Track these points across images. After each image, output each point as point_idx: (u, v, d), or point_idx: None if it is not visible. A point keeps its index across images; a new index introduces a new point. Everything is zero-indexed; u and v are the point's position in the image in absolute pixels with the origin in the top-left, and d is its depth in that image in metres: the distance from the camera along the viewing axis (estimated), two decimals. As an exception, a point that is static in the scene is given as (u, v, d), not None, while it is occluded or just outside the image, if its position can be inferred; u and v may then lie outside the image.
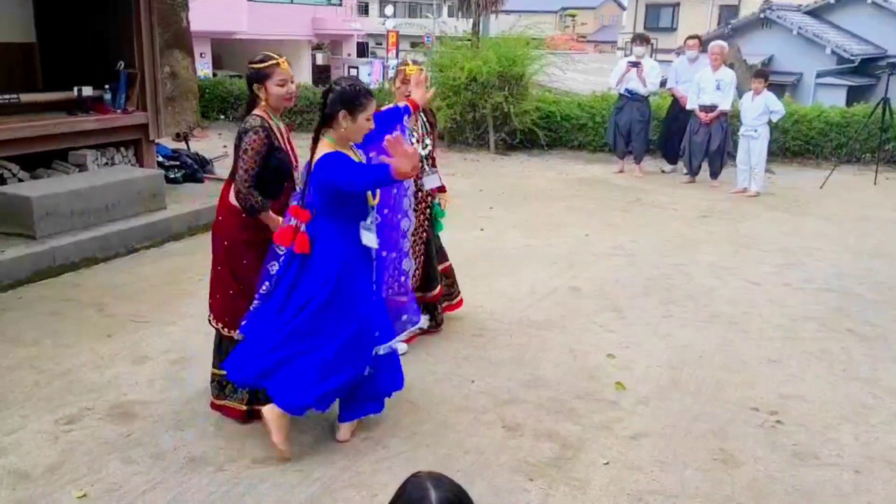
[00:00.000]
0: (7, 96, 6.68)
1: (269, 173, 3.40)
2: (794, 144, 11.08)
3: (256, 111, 3.43)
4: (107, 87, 7.20)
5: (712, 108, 9.13)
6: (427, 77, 4.56)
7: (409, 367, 4.21)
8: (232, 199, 3.45)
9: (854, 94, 17.79)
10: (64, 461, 3.26)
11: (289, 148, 3.53)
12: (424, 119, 4.49)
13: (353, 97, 3.19)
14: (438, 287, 4.66)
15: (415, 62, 4.53)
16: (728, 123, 9.34)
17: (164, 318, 4.84)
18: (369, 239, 3.33)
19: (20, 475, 3.15)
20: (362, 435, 3.54)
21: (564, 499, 3.11)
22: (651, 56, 11.38)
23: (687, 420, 3.77)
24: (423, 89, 4.19)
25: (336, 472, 3.25)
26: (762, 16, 20.12)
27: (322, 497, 3.08)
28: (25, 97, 6.87)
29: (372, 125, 3.29)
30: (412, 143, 4.22)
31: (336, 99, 3.20)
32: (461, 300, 4.98)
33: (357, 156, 3.38)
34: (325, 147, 3.24)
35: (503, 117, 11.36)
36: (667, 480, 3.26)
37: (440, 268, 4.75)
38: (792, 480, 3.28)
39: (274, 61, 3.39)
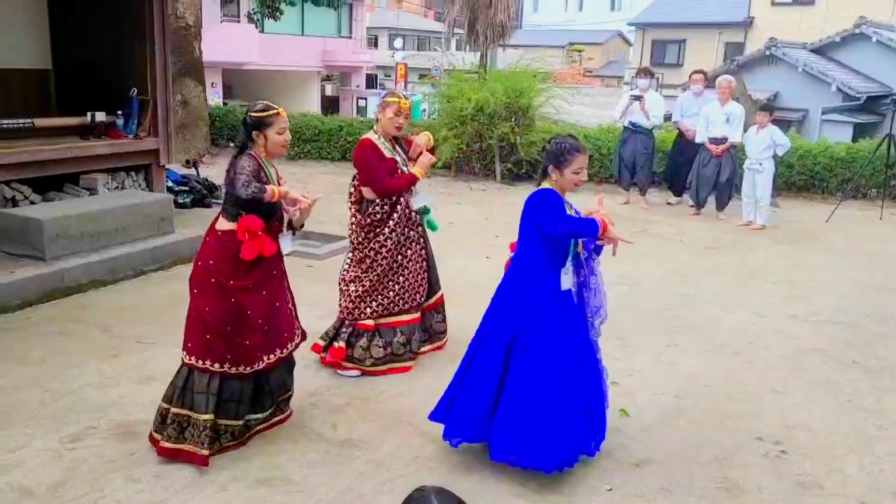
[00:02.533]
0: (22, 121, 6.79)
1: (254, 207, 3.43)
2: (800, 179, 11.12)
3: (250, 152, 3.50)
4: (119, 112, 7.32)
5: (722, 140, 9.18)
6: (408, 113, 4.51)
7: (413, 392, 4.23)
8: (220, 226, 3.49)
9: (860, 131, 17.84)
10: (67, 479, 3.27)
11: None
12: (399, 149, 4.56)
13: (559, 154, 3.43)
14: (440, 293, 4.78)
15: (405, 95, 4.57)
16: (736, 156, 9.39)
17: (169, 339, 4.83)
18: (566, 281, 3.48)
19: (24, 492, 3.16)
20: (365, 457, 3.54)
21: (567, 524, 3.10)
22: (656, 90, 11.49)
23: (691, 448, 3.76)
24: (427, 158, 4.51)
25: (338, 493, 3.25)
26: (767, 53, 20.29)
27: (324, 518, 3.07)
28: (40, 122, 6.97)
29: (582, 178, 3.45)
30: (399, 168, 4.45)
31: (546, 156, 3.51)
32: (446, 340, 4.92)
33: (570, 211, 3.50)
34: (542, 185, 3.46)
35: (509, 148, 11.46)
36: (670, 508, 3.24)
37: (433, 299, 4.80)
38: (796, 510, 3.26)
39: (275, 111, 3.52)
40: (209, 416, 3.40)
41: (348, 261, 4.58)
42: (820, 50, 21.02)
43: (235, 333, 3.44)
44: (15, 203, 6.41)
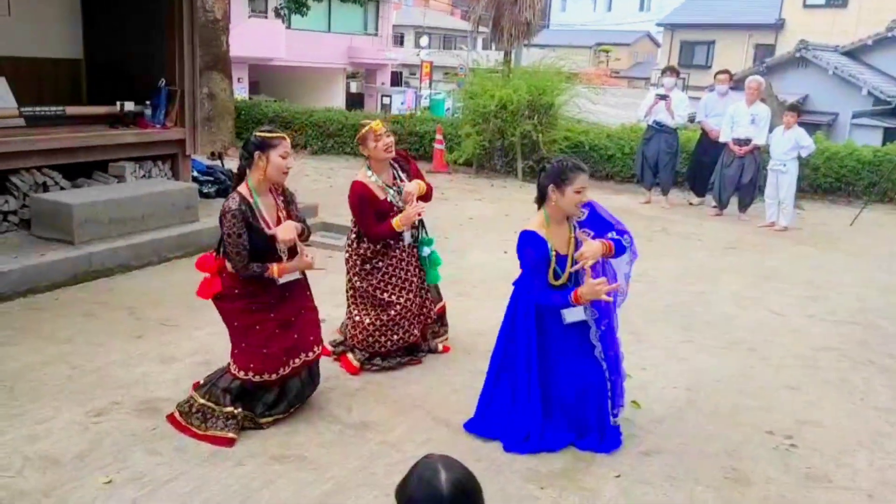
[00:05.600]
0: (54, 109, 6.98)
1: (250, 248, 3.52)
2: (826, 181, 11.03)
3: (241, 188, 3.58)
4: (148, 102, 7.47)
5: (746, 141, 9.13)
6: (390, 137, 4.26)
7: (427, 378, 4.32)
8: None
9: (891, 136, 17.62)
10: (92, 450, 3.39)
11: (275, 221, 3.60)
12: (396, 167, 4.41)
13: (560, 172, 3.36)
14: (440, 304, 4.75)
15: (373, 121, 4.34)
16: (760, 157, 9.34)
17: (191, 323, 4.98)
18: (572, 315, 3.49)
19: (50, 460, 3.29)
20: (378, 439, 3.62)
21: (574, 508, 3.15)
22: (682, 90, 11.43)
23: (700, 440, 3.79)
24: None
25: (350, 472, 3.33)
26: (798, 55, 20.10)
27: (335, 494, 3.16)
28: (71, 110, 7.15)
29: (583, 198, 3.38)
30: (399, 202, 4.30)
31: (546, 175, 3.41)
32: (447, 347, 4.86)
33: (570, 232, 3.47)
34: (532, 222, 3.45)
35: (531, 145, 11.50)
36: (676, 496, 3.29)
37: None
38: (803, 501, 3.29)
39: (281, 134, 3.59)
40: (230, 409, 3.57)
41: (352, 300, 4.45)
42: (851, 53, 20.77)
43: (253, 346, 3.59)
44: (46, 188, 6.58)
